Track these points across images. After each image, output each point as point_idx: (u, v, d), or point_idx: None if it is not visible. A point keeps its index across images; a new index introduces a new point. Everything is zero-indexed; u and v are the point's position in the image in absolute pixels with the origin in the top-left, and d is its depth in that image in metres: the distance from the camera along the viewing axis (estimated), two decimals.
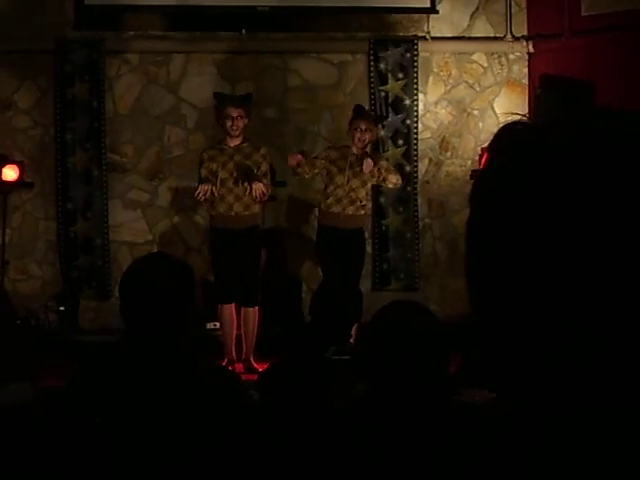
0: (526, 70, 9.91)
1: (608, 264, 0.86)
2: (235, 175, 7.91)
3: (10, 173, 9.18)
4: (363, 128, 8.05)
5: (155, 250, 9.14)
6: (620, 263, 0.86)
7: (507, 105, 9.75)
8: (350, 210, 8.09)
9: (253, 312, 8.06)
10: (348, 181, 8.08)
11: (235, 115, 7.89)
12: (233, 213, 7.94)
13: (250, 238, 8.01)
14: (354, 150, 8.09)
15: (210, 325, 8.68)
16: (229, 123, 7.88)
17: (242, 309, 8.09)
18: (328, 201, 8.12)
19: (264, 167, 7.98)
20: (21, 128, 9.58)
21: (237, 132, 7.90)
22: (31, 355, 6.54)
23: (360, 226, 8.25)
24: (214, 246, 8.15)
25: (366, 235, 9.48)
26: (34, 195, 9.56)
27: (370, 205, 8.40)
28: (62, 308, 9.31)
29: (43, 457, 2.93)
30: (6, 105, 9.54)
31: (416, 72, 9.72)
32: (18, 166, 9.23)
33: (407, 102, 9.70)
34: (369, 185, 8.20)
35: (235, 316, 8.10)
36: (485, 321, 0.93)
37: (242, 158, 7.93)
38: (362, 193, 8.11)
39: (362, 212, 8.19)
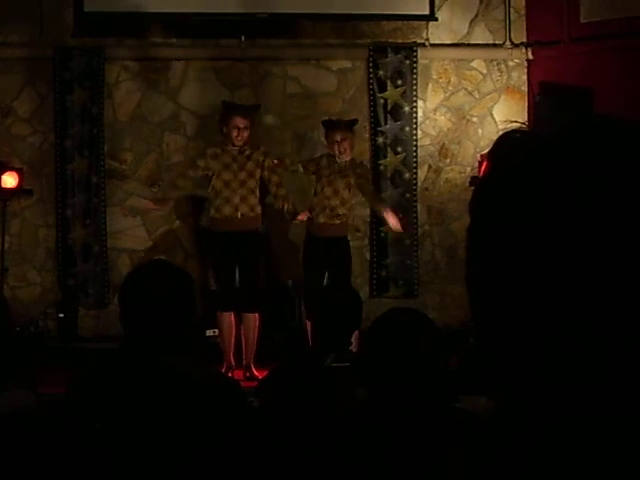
0: (525, 77, 9.92)
1: (608, 269, 0.86)
2: (241, 177, 7.96)
3: (9, 180, 9.18)
4: (339, 139, 8.15)
5: (155, 257, 9.13)
6: (620, 268, 0.86)
7: (506, 112, 9.76)
8: (322, 218, 8.17)
9: (253, 318, 8.04)
10: (322, 189, 8.20)
11: (242, 126, 7.94)
12: (239, 215, 7.97)
13: (251, 242, 8.03)
14: (337, 160, 8.22)
15: (209, 332, 8.68)
16: (234, 133, 7.92)
17: (242, 315, 8.08)
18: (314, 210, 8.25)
19: (274, 178, 8.07)
20: (20, 135, 9.59)
21: (241, 143, 7.96)
22: (30, 362, 6.54)
23: (340, 235, 8.26)
24: (215, 251, 8.16)
25: (366, 242, 9.49)
26: (33, 202, 9.56)
27: (347, 213, 8.37)
28: (61, 315, 9.30)
29: (43, 463, 2.93)
30: (5, 112, 9.55)
31: (415, 79, 9.73)
32: (17, 173, 9.23)
33: (406, 109, 9.71)
34: (345, 194, 8.23)
35: (234, 323, 8.09)
36: (486, 326, 0.93)
37: (244, 159, 7.98)
38: (335, 202, 8.15)
39: (337, 221, 8.21)
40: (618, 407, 0.87)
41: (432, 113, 9.86)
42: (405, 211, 9.69)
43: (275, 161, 8.19)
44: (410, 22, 9.77)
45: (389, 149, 9.68)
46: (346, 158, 8.24)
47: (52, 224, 9.57)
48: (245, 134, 7.96)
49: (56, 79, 9.48)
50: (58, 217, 9.53)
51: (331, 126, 8.39)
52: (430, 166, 9.86)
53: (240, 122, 7.93)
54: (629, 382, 0.87)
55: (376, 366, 2.80)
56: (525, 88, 9.91)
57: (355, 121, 8.56)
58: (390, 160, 9.66)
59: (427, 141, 9.85)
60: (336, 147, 8.18)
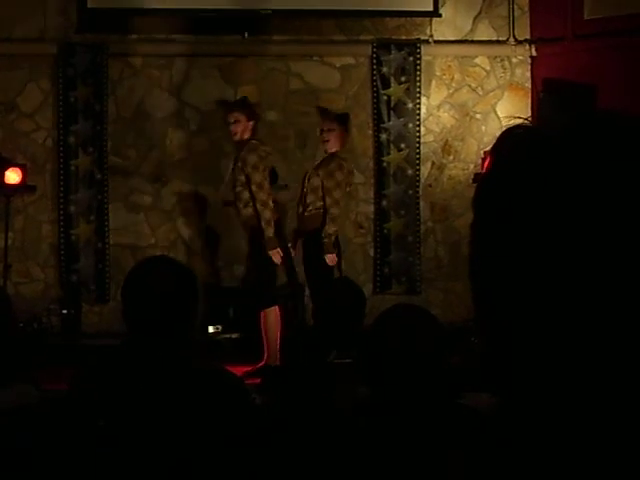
0: (529, 73, 9.92)
1: (609, 266, 0.86)
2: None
3: (13, 176, 9.18)
4: (325, 128, 8.04)
5: (158, 254, 9.13)
6: (621, 265, 0.86)
7: (510, 108, 9.75)
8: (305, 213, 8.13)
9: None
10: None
11: (231, 120, 7.85)
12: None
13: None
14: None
15: (212, 329, 8.68)
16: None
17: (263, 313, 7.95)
18: None
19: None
20: (24, 131, 9.59)
21: (235, 137, 7.85)
22: (33, 358, 6.54)
23: (310, 229, 8.11)
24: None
25: (369, 238, 9.48)
26: (37, 198, 9.57)
27: (314, 206, 8.12)
28: (65, 311, 9.31)
29: (46, 459, 2.93)
30: (9, 108, 9.55)
31: (419, 76, 9.73)
32: (21, 169, 9.24)
33: (410, 106, 9.71)
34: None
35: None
36: (488, 323, 0.93)
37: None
38: (311, 198, 8.06)
39: (311, 213, 8.10)
40: (618, 404, 0.87)
41: (435, 110, 9.86)
42: (408, 208, 9.70)
43: None
44: (414, 18, 9.76)
45: (392, 146, 9.68)
46: (330, 150, 8.02)
47: (55, 220, 9.57)
48: (236, 128, 7.84)
49: (60, 75, 9.49)
50: (61, 213, 9.54)
51: (321, 114, 8.26)
52: (433, 163, 9.86)
53: (229, 117, 7.88)
54: (628, 380, 0.87)
55: (378, 363, 2.80)
56: (528, 85, 9.90)
57: (346, 115, 8.35)
58: (393, 157, 9.65)
59: (430, 138, 9.84)
60: (321, 135, 8.06)
